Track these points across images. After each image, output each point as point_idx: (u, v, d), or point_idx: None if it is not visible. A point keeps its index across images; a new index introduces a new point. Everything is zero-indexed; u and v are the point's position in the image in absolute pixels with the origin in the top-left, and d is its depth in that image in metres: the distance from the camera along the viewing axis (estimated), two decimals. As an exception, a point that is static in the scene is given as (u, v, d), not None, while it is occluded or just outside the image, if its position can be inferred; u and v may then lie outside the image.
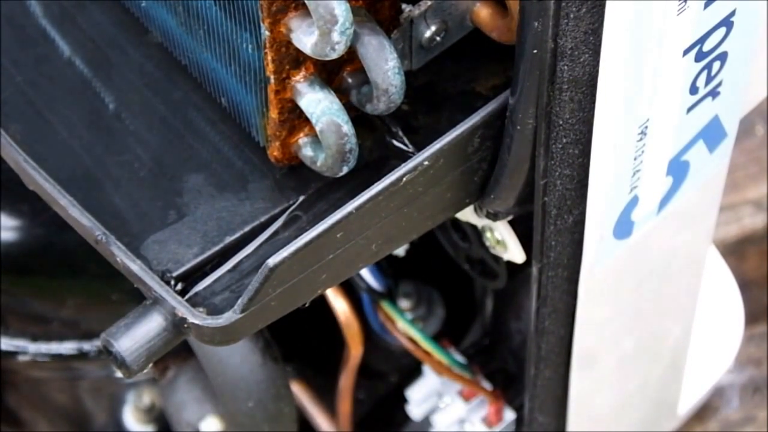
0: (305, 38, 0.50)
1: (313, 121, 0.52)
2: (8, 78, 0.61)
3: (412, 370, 0.82)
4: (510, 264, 0.64)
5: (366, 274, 0.75)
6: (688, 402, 0.91)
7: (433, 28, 0.53)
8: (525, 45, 0.50)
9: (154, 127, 0.59)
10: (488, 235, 0.63)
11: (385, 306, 0.75)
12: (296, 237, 0.51)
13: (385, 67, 0.51)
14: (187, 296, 0.53)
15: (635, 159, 0.56)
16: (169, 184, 0.57)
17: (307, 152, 0.55)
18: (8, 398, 0.89)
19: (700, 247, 0.72)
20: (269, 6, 0.49)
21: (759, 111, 1.10)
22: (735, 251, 1.06)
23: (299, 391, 0.83)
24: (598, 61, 0.50)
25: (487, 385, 0.79)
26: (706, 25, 0.53)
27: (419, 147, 0.54)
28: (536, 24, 0.49)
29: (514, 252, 0.62)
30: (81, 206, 0.55)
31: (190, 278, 0.54)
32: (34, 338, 0.82)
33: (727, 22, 0.54)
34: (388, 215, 0.53)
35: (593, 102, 0.52)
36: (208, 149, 0.58)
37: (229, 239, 0.55)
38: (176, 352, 0.78)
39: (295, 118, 0.54)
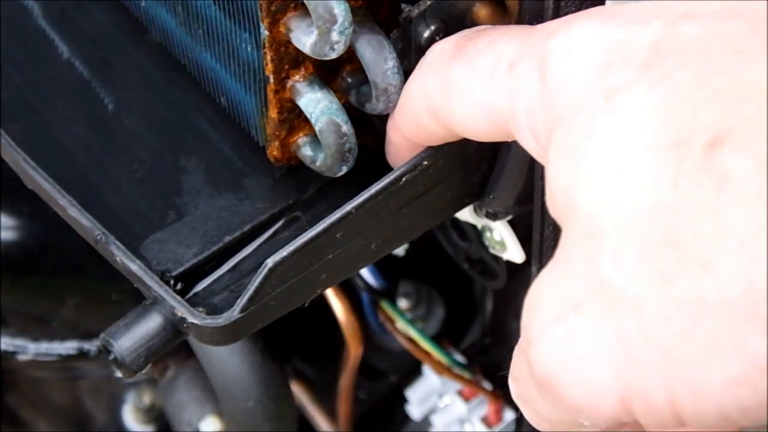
0: (304, 38, 0.50)
1: (313, 120, 0.52)
2: (8, 78, 0.61)
3: (412, 370, 0.82)
4: (510, 264, 0.64)
5: (366, 273, 0.75)
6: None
7: (433, 28, 0.53)
8: (524, 45, 0.50)
9: (153, 127, 0.59)
10: (488, 234, 0.63)
11: (385, 306, 0.76)
12: (296, 237, 0.51)
13: (385, 66, 0.51)
14: (186, 296, 0.53)
15: (635, 159, 0.56)
16: (169, 183, 0.57)
17: (306, 152, 0.55)
18: (8, 398, 0.89)
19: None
20: (268, 6, 0.49)
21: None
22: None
23: (299, 391, 0.83)
24: (597, 61, 0.50)
25: (487, 385, 0.79)
26: (706, 24, 0.53)
27: (419, 147, 0.54)
28: (536, 23, 0.49)
29: (513, 252, 0.62)
30: (80, 206, 0.55)
31: (189, 278, 0.54)
32: (35, 338, 0.82)
33: (726, 22, 0.54)
34: (388, 215, 0.53)
35: (593, 102, 0.52)
36: (207, 149, 0.58)
37: (228, 239, 0.55)
38: (176, 352, 0.78)
39: (295, 118, 0.54)
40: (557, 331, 0.41)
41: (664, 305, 0.37)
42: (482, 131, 0.47)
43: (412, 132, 0.51)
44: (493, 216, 0.59)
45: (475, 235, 0.64)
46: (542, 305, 0.42)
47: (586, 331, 0.40)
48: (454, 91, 0.47)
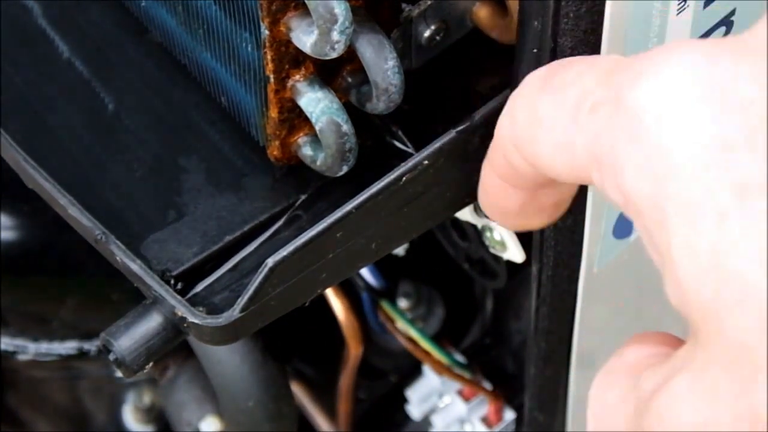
0: (305, 37, 0.50)
1: (313, 120, 0.52)
2: (8, 78, 0.61)
3: (412, 370, 0.82)
4: (510, 264, 0.64)
5: (366, 273, 0.75)
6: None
7: (433, 28, 0.53)
8: (525, 44, 0.50)
9: (153, 127, 0.59)
10: (488, 234, 0.63)
11: (385, 306, 0.76)
12: (296, 236, 0.51)
13: (385, 66, 0.51)
14: (187, 296, 0.53)
15: (635, 158, 0.56)
16: (169, 183, 0.57)
17: (306, 151, 0.55)
18: (8, 398, 0.89)
19: (700, 247, 0.72)
20: (269, 5, 0.49)
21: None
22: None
23: (299, 391, 0.83)
24: (597, 61, 0.50)
25: (487, 385, 0.79)
26: (706, 24, 0.53)
27: (419, 146, 0.54)
28: (536, 23, 0.49)
29: (513, 251, 0.62)
30: (80, 205, 0.55)
31: (190, 277, 0.54)
32: (35, 338, 0.82)
33: (726, 22, 0.54)
34: (388, 214, 0.53)
35: (593, 101, 0.52)
36: (207, 148, 0.58)
37: (228, 238, 0.55)
38: (176, 352, 0.78)
39: (295, 118, 0.54)
40: None
41: None
42: (564, 173, 0.44)
43: (503, 172, 0.47)
44: (494, 216, 0.59)
45: (475, 235, 0.64)
46: (682, 426, 0.39)
47: None
48: (539, 126, 0.44)
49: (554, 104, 0.43)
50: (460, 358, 0.79)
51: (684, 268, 0.38)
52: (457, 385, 0.80)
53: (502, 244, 0.62)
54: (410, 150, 0.56)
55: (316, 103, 0.52)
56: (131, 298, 0.55)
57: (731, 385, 0.37)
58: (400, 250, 0.75)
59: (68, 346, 0.82)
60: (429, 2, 0.52)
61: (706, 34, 0.54)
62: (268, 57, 0.51)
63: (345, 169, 0.54)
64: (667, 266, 0.39)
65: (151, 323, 0.52)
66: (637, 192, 0.39)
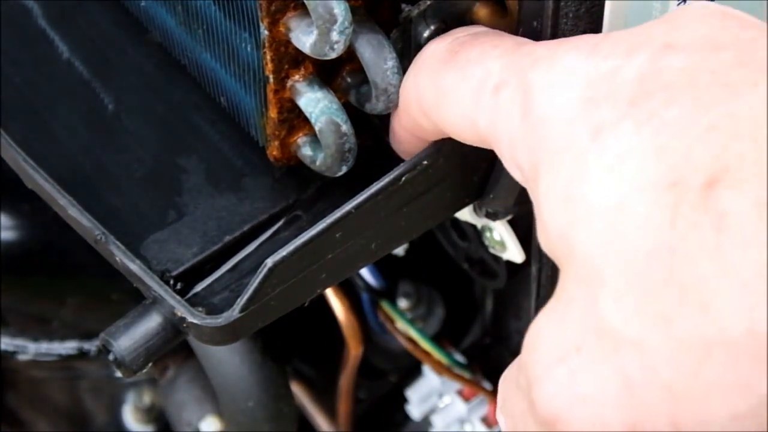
0: (304, 38, 0.50)
1: (312, 120, 0.52)
2: (8, 78, 0.61)
3: (412, 370, 0.82)
4: (510, 264, 0.64)
5: (366, 273, 0.75)
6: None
7: (433, 28, 0.53)
8: (524, 44, 0.50)
9: (153, 127, 0.59)
10: (488, 234, 0.63)
11: (385, 306, 0.76)
12: (295, 236, 0.51)
13: (384, 66, 0.51)
14: (186, 296, 0.53)
15: (635, 158, 0.56)
16: (169, 183, 0.57)
17: (306, 152, 0.55)
18: (8, 398, 0.89)
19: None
20: (268, 5, 0.50)
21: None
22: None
23: (299, 391, 0.83)
24: (597, 61, 0.50)
25: (487, 385, 0.79)
26: (706, 24, 0.53)
27: (418, 147, 0.54)
28: (535, 24, 0.49)
29: (513, 252, 0.62)
30: (80, 206, 0.55)
31: (189, 278, 0.54)
32: (35, 338, 0.82)
33: (726, 22, 0.54)
34: (388, 215, 0.53)
35: (592, 101, 0.52)
36: (207, 149, 0.58)
37: (228, 239, 0.55)
38: (176, 352, 0.79)
39: (294, 118, 0.54)
40: (560, 371, 0.40)
41: (666, 346, 0.37)
42: (470, 140, 0.48)
43: (409, 126, 0.52)
44: (493, 216, 0.59)
45: (475, 235, 0.64)
46: (543, 345, 0.41)
47: (589, 371, 0.39)
48: (444, 97, 0.48)
49: (458, 80, 0.47)
50: (460, 358, 0.79)
51: (546, 206, 0.41)
52: (457, 385, 0.80)
53: (502, 244, 0.62)
54: (410, 150, 0.56)
55: (316, 103, 0.52)
56: (131, 298, 0.55)
57: (579, 303, 0.40)
58: (400, 250, 0.75)
59: (68, 346, 0.82)
60: (429, 2, 0.52)
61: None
62: (268, 57, 0.51)
63: (344, 169, 0.54)
64: (537, 216, 0.42)
65: (150, 323, 0.52)
66: (524, 161, 0.43)
